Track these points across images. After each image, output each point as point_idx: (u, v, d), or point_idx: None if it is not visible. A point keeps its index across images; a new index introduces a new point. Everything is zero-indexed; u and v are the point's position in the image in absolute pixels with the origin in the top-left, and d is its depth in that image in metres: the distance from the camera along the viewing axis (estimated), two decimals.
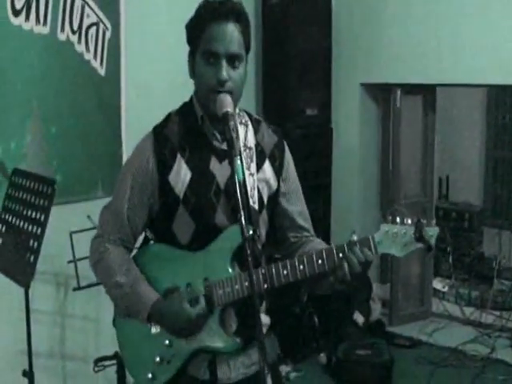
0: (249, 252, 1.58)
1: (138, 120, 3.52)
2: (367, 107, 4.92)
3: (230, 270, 1.74)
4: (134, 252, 1.89)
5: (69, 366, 3.28)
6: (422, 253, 1.73)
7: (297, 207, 1.91)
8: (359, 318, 4.58)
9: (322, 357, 4.08)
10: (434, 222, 1.68)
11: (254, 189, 1.78)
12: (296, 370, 4.05)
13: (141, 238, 1.91)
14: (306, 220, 1.95)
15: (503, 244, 5.49)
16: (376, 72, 4.66)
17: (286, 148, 1.91)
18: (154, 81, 3.68)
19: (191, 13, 1.78)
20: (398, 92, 4.72)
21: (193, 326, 1.73)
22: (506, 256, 5.43)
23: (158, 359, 1.78)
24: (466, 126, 6.06)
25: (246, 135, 1.82)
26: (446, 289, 5.21)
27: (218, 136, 1.77)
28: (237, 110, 1.82)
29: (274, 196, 1.87)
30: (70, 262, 2.84)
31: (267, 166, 1.84)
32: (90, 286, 2.89)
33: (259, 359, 1.58)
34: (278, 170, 1.86)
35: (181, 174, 1.75)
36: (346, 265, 1.65)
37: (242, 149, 1.78)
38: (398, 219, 1.67)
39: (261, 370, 1.61)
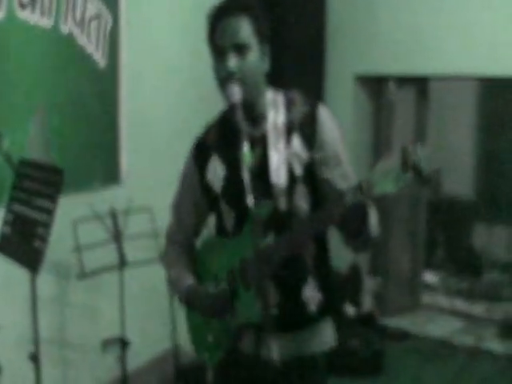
0: (256, 228, 1.77)
1: (136, 112, 3.68)
2: (360, 99, 5.03)
3: (255, 247, 1.85)
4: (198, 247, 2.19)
5: (69, 353, 3.43)
6: (419, 185, 1.59)
7: (336, 171, 1.93)
8: (350, 309, 4.74)
9: None
10: (421, 144, 1.59)
11: (283, 164, 1.90)
12: None
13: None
14: (349, 183, 1.87)
15: (493, 237, 5.69)
16: (369, 63, 4.77)
17: (322, 115, 1.94)
18: (152, 73, 3.82)
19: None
20: (392, 84, 4.89)
21: (217, 306, 1.93)
22: (496, 249, 5.63)
23: (210, 339, 2.03)
24: (459, 119, 6.18)
25: (275, 116, 1.94)
26: (435, 281, 5.41)
27: (249, 123, 1.91)
28: (269, 94, 1.96)
29: (310, 166, 1.93)
30: (74, 250, 3.02)
31: (296, 139, 1.92)
32: (93, 273, 3.09)
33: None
34: (309, 140, 1.92)
35: (216, 171, 1.99)
36: (347, 211, 1.66)
37: (271, 129, 1.92)
38: (389, 157, 1.62)
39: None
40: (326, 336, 2.01)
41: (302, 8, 4.47)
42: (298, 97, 1.99)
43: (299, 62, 4.52)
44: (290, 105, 1.96)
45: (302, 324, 1.95)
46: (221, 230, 2.04)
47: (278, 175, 1.89)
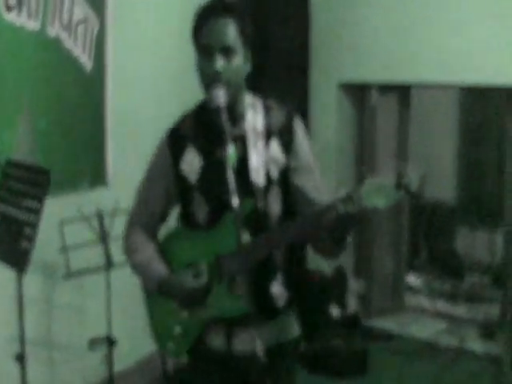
0: (239, 226, 1.78)
1: (122, 115, 3.65)
2: (344, 106, 5.02)
3: (237, 242, 1.85)
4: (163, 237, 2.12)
5: (56, 353, 3.38)
6: (407, 201, 1.75)
7: (309, 181, 1.99)
8: (335, 311, 4.73)
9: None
10: (412, 168, 1.72)
11: (261, 167, 1.93)
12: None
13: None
14: (320, 194, 1.98)
15: (475, 240, 5.69)
16: (353, 71, 4.78)
17: (297, 125, 2.00)
18: (139, 76, 3.80)
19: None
20: (374, 92, 4.91)
21: (196, 297, 1.91)
22: (478, 252, 5.63)
23: (177, 330, 1.98)
24: (440, 126, 6.22)
25: (254, 118, 1.96)
26: (419, 283, 5.42)
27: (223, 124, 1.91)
28: (248, 98, 1.98)
29: (285, 171, 1.97)
30: (60, 250, 2.97)
31: (274, 144, 1.96)
32: (79, 273, 3.04)
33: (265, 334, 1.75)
34: (287, 147, 1.96)
35: (193, 162, 1.96)
36: (336, 221, 1.73)
37: (250, 132, 1.94)
38: (379, 174, 1.74)
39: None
40: (290, 327, 2.05)
41: (286, 17, 4.50)
42: (275, 105, 2.03)
43: (284, 69, 4.54)
44: (268, 110, 2.00)
45: (269, 317, 1.96)
46: (189, 221, 2.01)
47: (258, 175, 1.92)
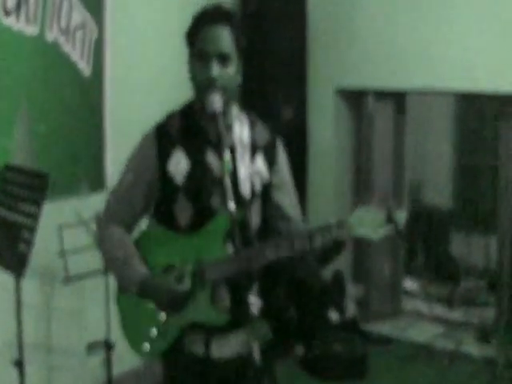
0: (236, 234, 1.77)
1: (120, 119, 3.65)
2: (341, 112, 5.01)
3: (222, 250, 1.90)
4: (137, 235, 2.05)
5: (55, 358, 3.36)
6: (392, 242, 1.89)
7: (287, 199, 2.06)
8: (334, 315, 4.71)
9: (299, 349, 4.22)
10: (403, 206, 1.86)
11: (247, 179, 1.95)
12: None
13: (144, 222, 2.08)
14: (296, 211, 2.09)
15: (471, 245, 5.70)
16: (349, 78, 4.78)
17: (279, 145, 2.07)
18: (137, 82, 3.79)
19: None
20: (370, 98, 4.90)
21: (178, 302, 1.88)
22: (473, 257, 5.63)
23: (154, 332, 1.94)
24: (437, 133, 6.24)
25: (241, 131, 1.98)
26: (416, 288, 5.40)
27: (214, 130, 1.92)
28: (235, 109, 2.00)
29: (267, 186, 2.02)
30: (59, 255, 2.95)
31: (260, 158, 2.00)
32: (78, 277, 3.01)
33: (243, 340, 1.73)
34: (270, 163, 2.02)
35: (180, 164, 1.93)
36: (320, 244, 1.81)
37: (238, 143, 1.95)
38: (370, 206, 1.84)
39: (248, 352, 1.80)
40: (263, 332, 2.02)
41: (284, 24, 4.49)
42: (258, 120, 2.07)
43: (282, 76, 4.54)
44: (253, 125, 2.03)
45: (245, 324, 1.94)
46: (168, 221, 1.97)
47: (245, 186, 1.94)
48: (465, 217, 6.12)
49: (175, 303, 1.89)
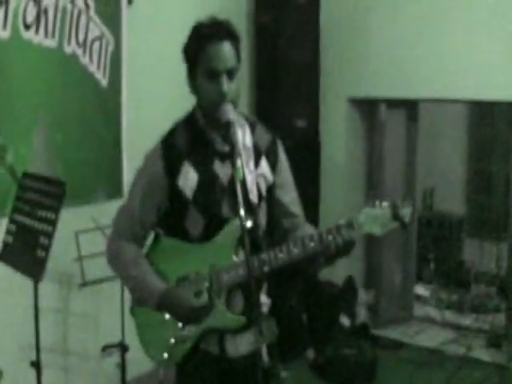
0: (247, 241, 1.77)
1: (137, 128, 3.66)
2: (353, 120, 5.04)
3: (235, 257, 1.92)
4: (147, 248, 2.07)
5: (71, 360, 3.38)
6: (400, 230, 1.90)
7: (289, 196, 2.10)
8: (345, 320, 4.70)
9: (310, 352, 4.21)
10: (408, 202, 1.86)
11: (254, 184, 1.96)
12: (285, 369, 4.18)
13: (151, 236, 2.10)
14: (298, 207, 2.13)
15: (482, 252, 5.65)
16: (362, 87, 4.79)
17: (279, 144, 2.10)
18: (153, 92, 3.82)
19: (190, 26, 1.95)
20: (383, 106, 4.89)
21: (197, 315, 1.91)
22: (484, 263, 5.59)
23: (172, 341, 1.96)
24: (449, 140, 6.21)
25: (244, 136, 1.99)
26: (427, 294, 5.37)
27: (219, 140, 1.94)
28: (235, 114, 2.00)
29: (271, 187, 2.04)
30: (76, 260, 2.97)
31: (264, 162, 2.03)
32: (93, 282, 3.03)
33: (255, 337, 1.75)
34: (273, 165, 2.05)
35: (188, 177, 1.94)
36: (333, 246, 1.83)
37: (243, 150, 1.95)
38: (376, 202, 1.86)
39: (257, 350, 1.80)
40: (272, 330, 2.06)
41: (297, 35, 4.51)
42: (257, 123, 2.08)
43: (295, 85, 4.54)
44: (253, 129, 2.05)
45: (256, 323, 1.96)
46: (180, 233, 1.99)
47: (253, 191, 1.96)
48: (476, 223, 6.09)
49: (195, 318, 1.92)
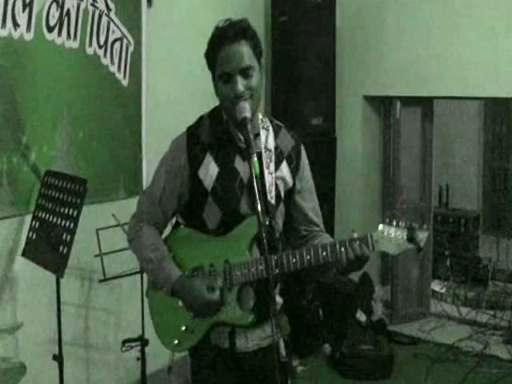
0: (264, 238, 1.77)
1: (156, 127, 3.69)
2: (369, 118, 5.05)
3: (248, 254, 1.94)
4: (166, 233, 2.10)
5: (92, 353, 3.42)
6: (414, 253, 1.90)
7: (309, 204, 2.10)
8: (362, 316, 4.71)
9: (327, 347, 4.23)
10: (425, 226, 1.84)
11: (272, 185, 1.97)
12: (301, 364, 4.20)
13: (172, 222, 2.12)
14: (317, 216, 2.14)
15: (498, 248, 5.64)
16: (377, 85, 4.81)
17: (303, 151, 2.10)
18: (172, 91, 3.85)
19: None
20: (398, 104, 4.88)
21: (207, 310, 1.94)
22: (501, 259, 5.58)
23: (183, 328, 1.99)
24: (464, 137, 6.20)
25: (266, 138, 2.01)
26: (443, 290, 5.36)
27: (242, 138, 1.95)
28: (260, 116, 2.03)
29: (290, 192, 2.05)
30: (96, 255, 3.01)
31: (284, 166, 2.03)
32: (114, 277, 3.07)
33: (272, 332, 1.76)
34: (294, 170, 2.05)
35: (209, 169, 1.96)
36: (345, 258, 1.84)
37: (263, 150, 1.98)
38: (394, 222, 1.84)
39: (274, 343, 1.78)
40: (283, 327, 2.06)
41: (313, 33, 4.52)
42: (283, 127, 2.09)
43: (311, 83, 4.55)
44: (278, 132, 2.05)
45: (267, 319, 1.97)
46: (197, 224, 2.01)
47: (270, 192, 1.97)
48: (492, 220, 6.08)
49: (205, 312, 1.95)
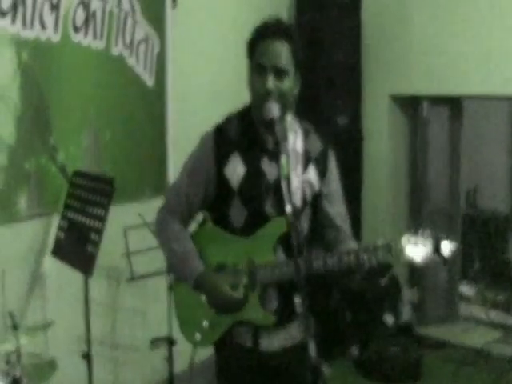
0: (294, 239, 1.79)
1: (181, 128, 3.74)
2: (396, 118, 5.02)
3: (273, 254, 1.97)
4: (193, 229, 2.15)
5: (120, 352, 3.46)
6: (440, 264, 1.90)
7: (336, 209, 2.11)
8: (389, 319, 4.69)
9: (354, 349, 4.23)
10: (452, 238, 1.84)
11: (299, 188, 2.00)
12: (328, 366, 4.21)
13: (198, 220, 2.17)
14: (344, 221, 2.13)
15: None
16: (404, 84, 4.78)
17: (331, 155, 2.11)
18: (197, 92, 3.89)
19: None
20: (425, 103, 4.87)
21: (229, 307, 1.97)
22: None
23: (205, 323, 2.02)
24: (493, 137, 6.14)
25: (295, 141, 2.03)
26: (472, 292, 5.32)
27: (270, 138, 1.97)
28: (289, 118, 2.04)
29: (317, 196, 2.07)
30: (124, 255, 3.06)
31: (312, 169, 2.05)
32: (142, 277, 3.12)
33: (304, 329, 1.76)
34: (322, 174, 2.07)
35: (236, 168, 1.99)
36: (367, 265, 1.86)
37: (291, 152, 2.00)
38: (420, 231, 1.84)
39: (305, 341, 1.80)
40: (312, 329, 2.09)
41: (339, 32, 4.53)
42: (312, 129, 2.10)
43: (338, 83, 4.56)
44: (307, 135, 2.07)
45: (290, 321, 2.02)
46: (222, 222, 2.04)
47: (296, 195, 1.98)
48: None
49: (228, 309, 1.98)
